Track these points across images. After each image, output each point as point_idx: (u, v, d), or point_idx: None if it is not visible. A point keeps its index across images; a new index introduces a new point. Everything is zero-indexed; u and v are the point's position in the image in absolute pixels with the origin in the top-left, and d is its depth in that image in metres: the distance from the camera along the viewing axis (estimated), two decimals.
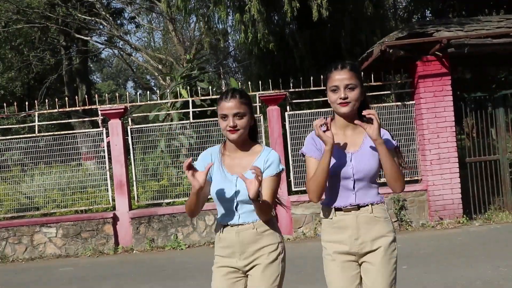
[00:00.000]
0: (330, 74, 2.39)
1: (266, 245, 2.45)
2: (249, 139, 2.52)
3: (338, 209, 2.40)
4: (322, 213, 2.48)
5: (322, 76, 7.44)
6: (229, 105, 2.42)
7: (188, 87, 8.65)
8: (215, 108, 8.23)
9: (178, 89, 8.85)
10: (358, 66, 2.48)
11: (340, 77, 2.35)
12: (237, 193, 2.42)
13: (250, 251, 2.44)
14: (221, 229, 2.49)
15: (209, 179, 2.51)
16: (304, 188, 7.65)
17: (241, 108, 2.42)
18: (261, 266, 2.42)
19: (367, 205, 2.39)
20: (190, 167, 2.35)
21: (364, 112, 2.32)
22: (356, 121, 2.34)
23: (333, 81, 2.36)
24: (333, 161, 2.37)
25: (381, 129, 2.39)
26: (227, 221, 2.47)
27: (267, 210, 2.41)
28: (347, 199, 2.39)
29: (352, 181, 2.37)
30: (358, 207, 2.38)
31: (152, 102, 8.87)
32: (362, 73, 7.76)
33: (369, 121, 2.33)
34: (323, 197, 2.46)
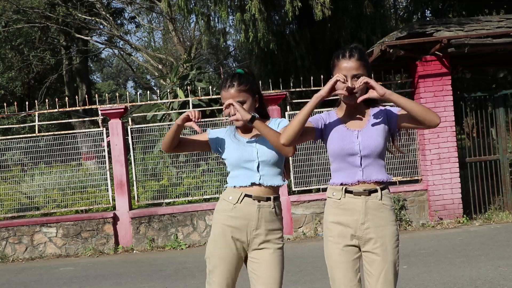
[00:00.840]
0: (337, 62, 2.38)
1: (277, 228, 2.51)
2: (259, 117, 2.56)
3: (348, 192, 2.39)
4: (329, 192, 2.47)
5: (322, 76, 7.44)
6: (228, 95, 2.47)
7: (188, 87, 8.64)
8: (214, 108, 8.37)
9: (177, 89, 8.86)
10: (364, 52, 2.46)
11: (348, 65, 2.34)
12: (258, 153, 2.48)
13: (264, 229, 2.47)
14: (240, 198, 2.47)
15: (213, 145, 2.62)
16: (305, 188, 7.65)
17: (240, 96, 2.46)
18: (271, 251, 2.46)
19: (377, 190, 2.38)
20: (188, 119, 2.53)
21: (358, 84, 2.31)
22: (360, 98, 2.34)
23: (340, 70, 2.35)
24: (340, 138, 2.38)
25: (383, 108, 2.45)
26: (247, 181, 2.47)
27: (277, 135, 2.40)
28: (354, 175, 2.39)
29: (359, 158, 2.37)
30: (369, 192, 2.38)
31: (152, 102, 8.87)
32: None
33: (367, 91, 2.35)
34: (331, 179, 2.47)
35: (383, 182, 2.41)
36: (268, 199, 2.48)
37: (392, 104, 2.38)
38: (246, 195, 2.47)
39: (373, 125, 2.41)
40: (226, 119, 2.59)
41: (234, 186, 2.52)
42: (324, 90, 2.31)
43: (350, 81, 2.33)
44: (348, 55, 2.35)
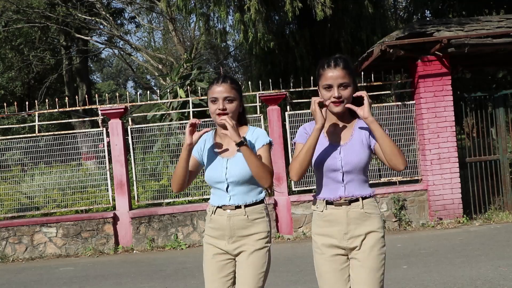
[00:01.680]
0: (323, 72, 2.38)
1: (256, 232, 2.49)
2: (238, 124, 2.57)
3: (329, 203, 2.40)
4: (313, 206, 2.49)
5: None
6: (219, 89, 2.48)
7: (188, 87, 8.64)
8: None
9: (177, 89, 8.87)
10: (350, 61, 2.45)
11: (334, 75, 2.33)
12: (227, 175, 2.48)
13: (238, 236, 2.48)
14: (214, 210, 2.54)
15: (201, 162, 2.62)
16: (304, 188, 7.65)
17: (231, 93, 2.48)
18: (248, 253, 2.46)
19: (358, 199, 2.37)
20: (194, 126, 2.49)
21: (356, 94, 2.34)
22: (347, 105, 2.35)
23: (326, 79, 2.35)
24: (322, 153, 2.37)
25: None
26: (218, 202, 2.52)
27: (262, 167, 2.40)
28: (336, 191, 2.39)
29: (341, 174, 2.37)
30: (349, 202, 2.37)
31: (152, 102, 8.88)
32: (362, 73, 7.78)
33: (360, 103, 2.35)
34: (316, 192, 2.47)
35: (367, 196, 2.41)
36: (238, 207, 2.48)
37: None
38: (218, 207, 2.53)
39: (357, 139, 2.40)
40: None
41: (210, 204, 2.60)
42: (319, 120, 2.31)
43: (336, 90, 2.33)
44: (334, 65, 2.35)
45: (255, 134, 2.53)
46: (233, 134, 2.39)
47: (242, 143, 2.40)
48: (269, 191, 2.61)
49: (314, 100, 2.34)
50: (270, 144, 2.52)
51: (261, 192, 2.55)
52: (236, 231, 2.48)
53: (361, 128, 2.42)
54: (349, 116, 2.44)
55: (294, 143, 2.51)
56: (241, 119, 2.60)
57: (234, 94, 2.49)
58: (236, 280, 2.50)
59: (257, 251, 2.46)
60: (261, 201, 2.55)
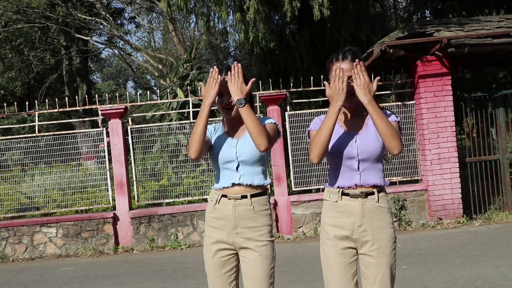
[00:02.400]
0: (331, 65, 2.40)
1: (260, 225, 2.47)
2: None
3: (345, 194, 2.39)
4: (325, 195, 2.46)
5: (322, 76, 7.43)
6: (223, 83, 2.46)
7: (188, 87, 8.64)
8: (214, 108, 8.33)
9: (177, 89, 8.87)
10: (359, 53, 2.45)
11: (343, 67, 2.35)
12: (237, 153, 2.48)
13: (243, 227, 2.46)
14: (218, 199, 2.52)
15: (210, 142, 2.57)
16: (304, 188, 7.65)
17: None
18: (255, 250, 2.45)
19: (373, 193, 2.38)
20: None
21: (352, 72, 2.31)
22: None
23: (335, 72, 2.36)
24: (338, 141, 2.37)
25: (385, 111, 2.42)
26: (227, 182, 2.49)
27: (260, 127, 2.38)
28: (351, 179, 2.38)
29: (356, 161, 2.37)
30: (366, 195, 2.37)
31: (152, 102, 8.87)
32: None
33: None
34: (328, 181, 2.46)
35: (380, 186, 2.41)
36: (244, 197, 2.47)
37: (389, 109, 2.40)
38: (222, 195, 2.51)
39: (372, 127, 2.40)
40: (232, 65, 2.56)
41: (216, 188, 2.56)
42: (341, 99, 2.29)
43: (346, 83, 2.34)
44: (342, 57, 2.37)
45: (264, 119, 2.55)
46: (236, 89, 2.38)
47: (244, 101, 2.38)
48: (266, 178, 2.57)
49: (343, 77, 2.29)
50: (275, 125, 2.53)
51: (266, 177, 2.56)
52: (240, 221, 2.46)
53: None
54: (361, 107, 2.43)
55: (309, 131, 2.50)
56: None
57: None
58: (244, 277, 2.47)
59: (264, 246, 2.46)
60: (265, 192, 2.54)
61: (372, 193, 2.37)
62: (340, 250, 2.38)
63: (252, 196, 2.48)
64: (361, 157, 2.36)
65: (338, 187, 2.40)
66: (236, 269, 2.52)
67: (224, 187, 2.51)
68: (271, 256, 2.48)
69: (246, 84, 2.47)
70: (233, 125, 2.57)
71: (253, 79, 2.50)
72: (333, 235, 2.40)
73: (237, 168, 2.48)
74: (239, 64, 2.43)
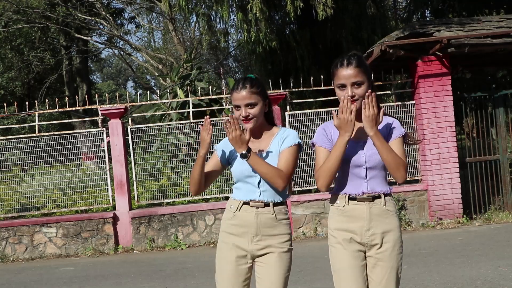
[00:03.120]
0: (336, 71, 2.37)
1: (281, 233, 2.48)
2: (266, 123, 2.57)
3: (352, 198, 2.38)
4: (332, 200, 2.46)
5: (322, 76, 7.43)
6: (240, 96, 2.47)
7: (188, 87, 8.64)
8: (214, 108, 8.36)
9: (177, 89, 8.87)
10: (363, 58, 2.44)
11: (347, 74, 2.32)
12: None
13: (264, 235, 2.46)
14: (239, 206, 2.50)
15: (224, 162, 2.60)
16: (304, 188, 7.65)
17: (252, 98, 2.46)
18: (275, 254, 2.45)
19: (380, 196, 2.37)
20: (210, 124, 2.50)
21: (363, 103, 2.28)
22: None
23: (339, 79, 2.35)
24: (346, 149, 2.34)
25: (389, 117, 2.43)
26: (248, 197, 2.48)
27: (271, 174, 2.40)
28: (359, 187, 2.38)
29: (364, 170, 2.36)
30: (373, 198, 2.36)
31: (152, 102, 8.88)
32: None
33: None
34: (332, 184, 2.45)
35: (388, 193, 2.42)
36: (266, 205, 2.47)
37: (392, 117, 2.43)
38: (244, 203, 2.50)
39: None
40: (226, 116, 2.59)
41: (235, 199, 2.56)
42: (349, 131, 2.28)
43: (350, 89, 2.32)
44: (346, 63, 2.34)
45: (285, 134, 2.51)
46: (238, 144, 2.40)
47: (245, 155, 2.40)
48: (288, 192, 2.57)
49: (350, 107, 2.27)
50: (299, 146, 2.50)
51: (287, 191, 2.55)
52: (262, 229, 2.46)
53: (381, 125, 2.41)
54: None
55: (313, 144, 2.47)
56: (268, 117, 2.59)
57: (255, 99, 2.47)
58: (259, 281, 2.47)
59: (284, 253, 2.47)
60: (285, 202, 2.55)
61: (379, 197, 2.37)
62: (352, 253, 2.37)
63: (275, 204, 2.48)
64: (369, 165, 2.36)
65: (347, 196, 2.40)
66: (249, 280, 2.52)
67: (241, 201, 2.51)
68: (288, 265, 2.49)
69: (265, 88, 2.53)
70: (254, 136, 2.54)
71: (249, 127, 2.46)
72: (342, 239, 2.39)
73: (258, 184, 2.48)
74: (234, 116, 2.44)
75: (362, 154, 2.36)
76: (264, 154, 2.49)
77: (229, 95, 7.52)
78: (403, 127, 2.47)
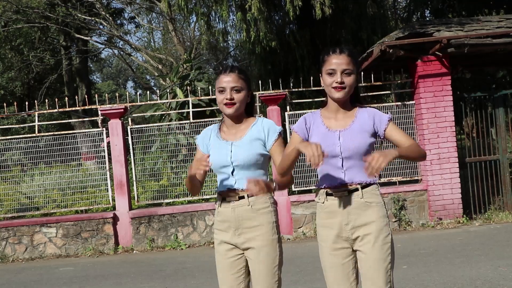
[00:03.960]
0: (327, 57, 2.37)
1: (261, 224, 2.47)
2: (245, 114, 2.58)
3: (329, 194, 2.39)
4: (316, 198, 2.48)
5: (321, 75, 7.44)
6: (227, 79, 2.48)
7: (188, 87, 8.64)
8: (214, 108, 8.36)
9: (177, 89, 8.87)
10: (355, 52, 2.46)
11: (339, 61, 2.33)
12: (232, 158, 2.48)
13: (244, 227, 2.47)
14: (219, 202, 2.55)
15: (205, 152, 2.60)
16: (304, 188, 7.66)
17: (238, 83, 2.48)
18: (257, 249, 2.45)
19: (357, 189, 2.36)
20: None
21: (367, 171, 2.15)
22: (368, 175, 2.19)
23: (330, 64, 2.34)
24: (321, 141, 2.34)
25: (370, 110, 2.42)
26: (224, 187, 2.51)
27: (287, 182, 2.49)
28: (336, 178, 2.37)
29: (340, 159, 2.35)
30: (349, 192, 2.35)
31: (151, 102, 8.87)
32: (362, 73, 7.78)
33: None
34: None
35: (367, 183, 2.38)
36: (241, 197, 2.47)
37: (376, 107, 2.42)
38: (222, 198, 2.53)
39: (358, 125, 2.38)
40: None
41: (217, 193, 2.61)
42: (306, 150, 2.20)
43: (340, 76, 2.32)
44: (339, 51, 2.35)
45: (265, 127, 2.50)
46: (260, 189, 2.35)
47: (273, 187, 2.45)
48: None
49: (320, 158, 2.15)
50: (280, 134, 2.53)
51: (265, 178, 2.54)
52: (241, 222, 2.47)
53: (361, 115, 2.41)
54: (349, 104, 2.44)
55: (292, 130, 2.50)
56: (249, 109, 2.60)
57: (241, 84, 2.48)
58: (251, 277, 2.50)
59: (266, 245, 2.46)
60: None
61: (356, 189, 2.36)
62: (332, 251, 2.38)
63: (250, 195, 2.46)
64: (345, 154, 2.34)
65: (324, 187, 2.41)
66: (245, 269, 2.52)
67: (221, 191, 2.53)
68: (274, 256, 2.46)
69: (248, 79, 2.55)
70: (231, 126, 2.55)
71: (231, 112, 2.48)
72: (325, 235, 2.41)
73: (232, 172, 2.48)
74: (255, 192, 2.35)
75: (338, 144, 2.35)
76: (238, 141, 2.49)
77: None
78: (386, 113, 2.47)
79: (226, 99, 2.45)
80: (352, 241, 2.38)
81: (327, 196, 2.39)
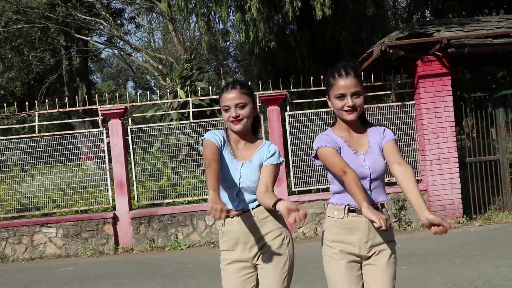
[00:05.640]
0: (334, 81, 2.37)
1: (269, 231, 2.46)
2: (251, 132, 2.57)
3: (351, 210, 2.37)
4: (329, 212, 2.44)
5: (322, 76, 7.43)
6: (230, 96, 2.47)
7: (188, 87, 8.64)
8: (214, 108, 8.36)
9: (177, 89, 8.87)
10: (358, 69, 2.46)
11: (347, 84, 2.33)
12: (241, 179, 2.46)
13: (254, 239, 2.45)
14: (223, 222, 2.50)
15: (220, 148, 2.48)
16: (304, 188, 7.65)
17: (242, 98, 2.47)
18: (267, 254, 2.44)
19: (378, 207, 2.39)
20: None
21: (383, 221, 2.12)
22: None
23: (339, 89, 2.34)
24: (350, 162, 2.33)
25: (380, 127, 2.46)
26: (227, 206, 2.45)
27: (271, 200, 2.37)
28: None
29: (368, 181, 2.38)
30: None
31: (152, 102, 8.87)
32: (362, 73, 7.79)
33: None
34: (331, 195, 2.45)
35: (384, 203, 2.45)
36: (245, 211, 2.46)
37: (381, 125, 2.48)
38: (226, 216, 2.44)
39: (374, 145, 2.43)
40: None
41: None
42: (370, 215, 2.10)
43: (350, 99, 2.33)
44: (345, 73, 2.34)
45: (271, 151, 2.50)
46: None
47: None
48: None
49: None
50: (281, 164, 2.54)
51: None
52: (249, 235, 2.45)
53: (373, 135, 2.45)
54: (360, 124, 2.46)
55: (319, 147, 2.37)
56: (254, 127, 2.58)
57: (245, 99, 2.47)
58: (260, 284, 2.48)
59: (276, 251, 2.45)
60: None
61: (377, 209, 2.37)
62: (348, 263, 2.37)
63: (253, 208, 2.47)
64: (373, 176, 2.38)
65: (347, 207, 2.38)
66: (256, 286, 2.50)
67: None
68: (284, 261, 2.46)
69: (252, 93, 2.53)
70: (238, 143, 2.53)
71: (239, 129, 2.45)
72: (339, 250, 2.39)
73: (237, 194, 2.47)
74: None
75: (366, 166, 2.38)
76: (248, 163, 2.48)
77: None
78: (394, 134, 2.50)
79: (232, 117, 2.44)
80: (365, 258, 2.40)
81: (349, 212, 2.38)
